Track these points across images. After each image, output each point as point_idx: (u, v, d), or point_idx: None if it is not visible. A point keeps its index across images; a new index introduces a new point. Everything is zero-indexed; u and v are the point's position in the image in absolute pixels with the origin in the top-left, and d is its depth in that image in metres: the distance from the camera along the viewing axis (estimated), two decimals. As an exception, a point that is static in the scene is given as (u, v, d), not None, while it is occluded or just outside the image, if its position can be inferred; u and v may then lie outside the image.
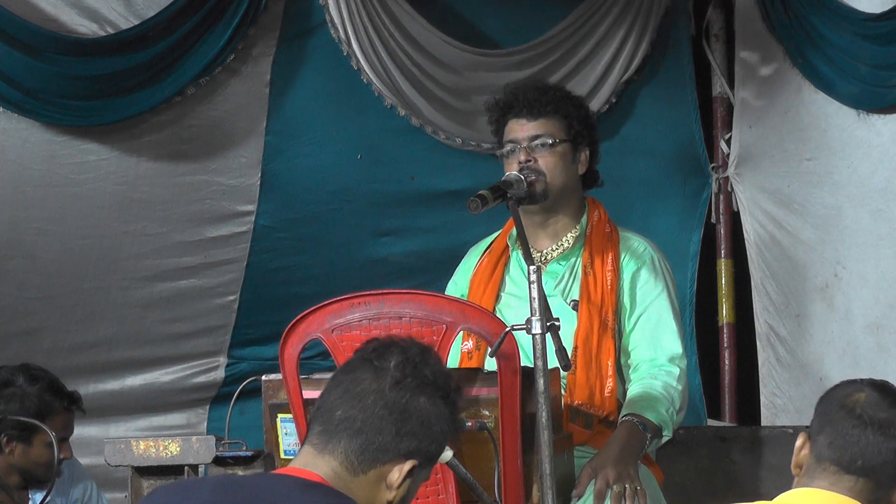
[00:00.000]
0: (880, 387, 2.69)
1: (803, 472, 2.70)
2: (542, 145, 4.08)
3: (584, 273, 4.09)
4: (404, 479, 2.63)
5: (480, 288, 4.17)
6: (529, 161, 4.05)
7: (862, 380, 2.72)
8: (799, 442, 2.72)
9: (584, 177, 4.19)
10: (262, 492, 2.55)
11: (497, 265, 4.19)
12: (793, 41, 5.51)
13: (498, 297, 4.16)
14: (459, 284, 4.29)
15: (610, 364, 4.02)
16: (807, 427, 2.76)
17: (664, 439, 4.00)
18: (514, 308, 4.07)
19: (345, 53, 5.54)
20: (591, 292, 4.06)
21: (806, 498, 2.64)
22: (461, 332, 3.60)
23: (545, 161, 4.07)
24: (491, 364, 3.57)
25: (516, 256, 4.18)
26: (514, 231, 4.18)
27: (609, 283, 4.07)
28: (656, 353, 4.08)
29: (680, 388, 4.04)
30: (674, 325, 4.12)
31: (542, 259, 4.13)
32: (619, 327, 4.09)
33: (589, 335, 4.03)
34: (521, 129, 4.10)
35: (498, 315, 4.07)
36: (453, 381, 2.73)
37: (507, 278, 4.18)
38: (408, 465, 2.63)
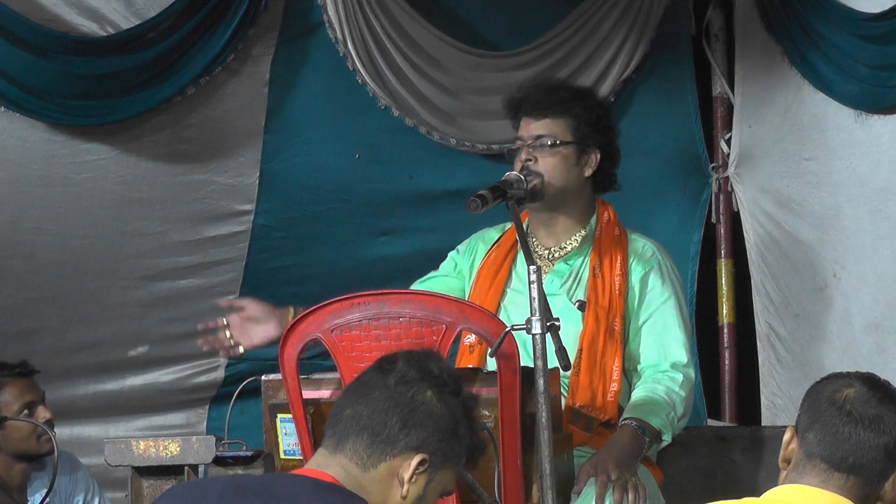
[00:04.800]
0: (868, 381, 2.68)
1: (792, 467, 2.68)
2: (543, 146, 4.09)
3: (593, 275, 4.08)
4: (414, 474, 2.63)
5: (486, 282, 4.17)
6: (530, 160, 4.06)
7: (849, 373, 2.70)
8: (787, 436, 2.71)
9: (595, 179, 4.18)
10: (272, 492, 2.56)
11: (505, 260, 4.19)
12: (792, 41, 5.50)
13: (504, 293, 4.16)
14: (459, 263, 4.28)
15: (615, 368, 4.02)
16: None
17: (664, 444, 4.01)
18: (518, 305, 4.07)
19: (341, 54, 5.54)
20: (600, 295, 4.06)
21: (796, 494, 2.63)
22: (460, 331, 3.60)
23: (544, 162, 4.08)
24: (491, 364, 3.57)
25: None
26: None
27: (618, 288, 4.06)
28: (660, 358, 4.08)
29: (683, 394, 4.03)
30: (679, 334, 4.11)
31: (550, 257, 4.14)
32: (626, 331, 4.09)
33: (595, 338, 4.02)
34: (527, 127, 4.14)
35: (502, 310, 4.09)
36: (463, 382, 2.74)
37: (514, 274, 4.18)
38: (417, 459, 2.63)
